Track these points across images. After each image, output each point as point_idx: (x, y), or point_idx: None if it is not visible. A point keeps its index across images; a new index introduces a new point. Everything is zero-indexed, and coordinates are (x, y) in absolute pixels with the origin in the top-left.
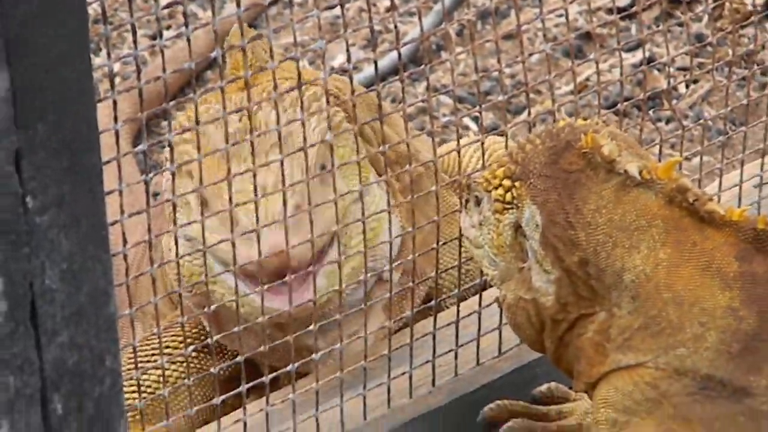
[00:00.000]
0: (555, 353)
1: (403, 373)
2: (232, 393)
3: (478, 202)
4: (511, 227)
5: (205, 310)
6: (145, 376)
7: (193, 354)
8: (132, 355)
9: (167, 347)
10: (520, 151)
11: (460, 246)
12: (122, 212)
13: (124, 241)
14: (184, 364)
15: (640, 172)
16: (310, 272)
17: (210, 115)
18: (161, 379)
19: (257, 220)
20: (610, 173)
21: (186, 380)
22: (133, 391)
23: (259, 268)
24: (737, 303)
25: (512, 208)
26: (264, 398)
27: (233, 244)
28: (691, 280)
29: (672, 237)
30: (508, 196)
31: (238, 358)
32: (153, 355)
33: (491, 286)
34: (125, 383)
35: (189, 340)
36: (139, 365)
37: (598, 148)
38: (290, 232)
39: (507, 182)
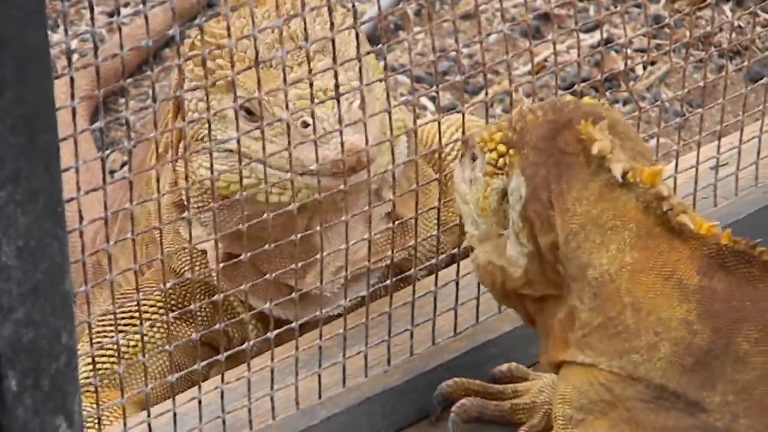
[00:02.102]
0: (526, 317)
1: (359, 353)
2: (186, 370)
3: (474, 159)
4: (498, 193)
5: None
6: (123, 342)
7: (162, 322)
8: (105, 323)
9: (144, 313)
10: (521, 119)
11: (416, 227)
12: (78, 189)
13: (81, 218)
14: (153, 330)
15: (624, 174)
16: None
17: (237, 28)
18: (129, 346)
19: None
20: (600, 168)
21: (141, 356)
22: (110, 357)
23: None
24: (693, 317)
25: (502, 175)
26: (219, 376)
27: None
28: (652, 288)
29: (641, 243)
30: (501, 162)
31: (207, 330)
32: (122, 322)
33: (447, 267)
34: (98, 351)
35: (160, 305)
36: (107, 335)
37: (591, 141)
38: (358, 131)
39: (502, 147)
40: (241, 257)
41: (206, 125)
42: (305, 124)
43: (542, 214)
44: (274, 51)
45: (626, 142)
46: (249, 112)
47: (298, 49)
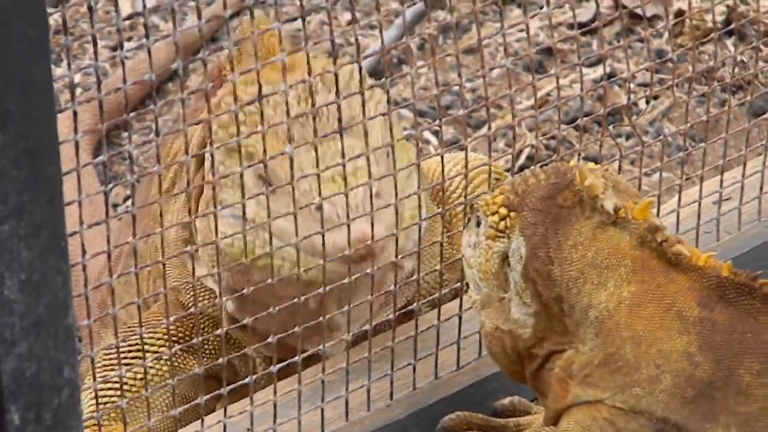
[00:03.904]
0: (533, 385)
1: (361, 386)
2: (191, 404)
3: (478, 224)
4: (499, 256)
5: (244, 291)
6: (129, 375)
7: (168, 356)
8: (111, 357)
9: (151, 346)
10: (522, 182)
11: (420, 259)
12: (81, 223)
13: (83, 252)
14: (160, 364)
15: (616, 210)
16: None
17: (252, 94)
18: (135, 379)
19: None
20: (593, 210)
21: (144, 392)
22: (116, 390)
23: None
24: (694, 348)
25: (503, 237)
26: (222, 410)
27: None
28: (651, 320)
29: (638, 277)
30: (502, 225)
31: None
32: (128, 355)
33: (449, 301)
34: (104, 386)
35: (167, 338)
36: (113, 369)
37: (583, 182)
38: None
39: (503, 210)
40: (245, 321)
41: (226, 191)
42: (318, 208)
43: (542, 270)
44: (299, 126)
45: (623, 193)
46: (267, 183)
47: (326, 123)
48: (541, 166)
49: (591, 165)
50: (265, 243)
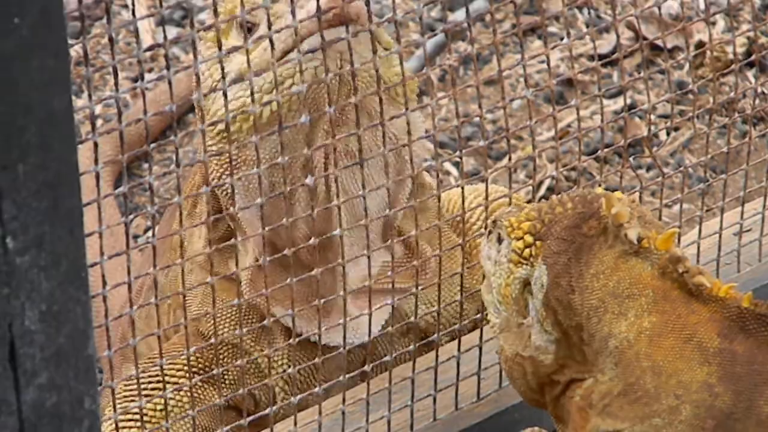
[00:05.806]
0: (553, 412)
1: (382, 417)
2: None
3: (499, 240)
4: (521, 282)
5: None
6: (150, 406)
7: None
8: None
9: (172, 377)
10: (549, 211)
11: (439, 293)
12: (102, 254)
13: (104, 283)
14: (181, 394)
15: (640, 240)
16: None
17: None
18: (156, 410)
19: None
20: (616, 239)
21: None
22: (136, 422)
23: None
24: (714, 379)
25: (526, 264)
26: None
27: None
28: (672, 351)
29: (658, 307)
30: (526, 252)
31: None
32: (149, 386)
33: (469, 332)
34: (125, 417)
35: (186, 369)
36: (134, 400)
37: (610, 209)
38: None
39: (529, 238)
40: (285, 252)
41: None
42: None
43: (563, 299)
44: None
45: (648, 224)
46: (250, 29)
47: None
48: (568, 194)
49: (618, 194)
50: (261, 97)
